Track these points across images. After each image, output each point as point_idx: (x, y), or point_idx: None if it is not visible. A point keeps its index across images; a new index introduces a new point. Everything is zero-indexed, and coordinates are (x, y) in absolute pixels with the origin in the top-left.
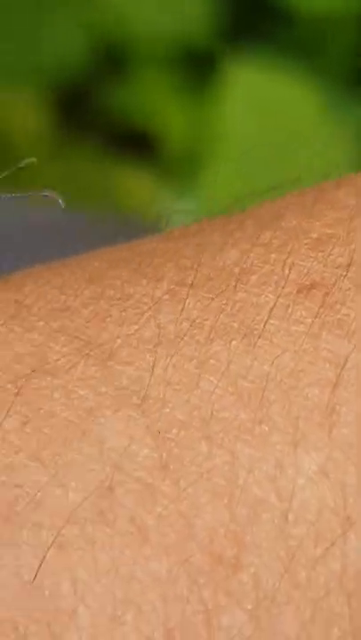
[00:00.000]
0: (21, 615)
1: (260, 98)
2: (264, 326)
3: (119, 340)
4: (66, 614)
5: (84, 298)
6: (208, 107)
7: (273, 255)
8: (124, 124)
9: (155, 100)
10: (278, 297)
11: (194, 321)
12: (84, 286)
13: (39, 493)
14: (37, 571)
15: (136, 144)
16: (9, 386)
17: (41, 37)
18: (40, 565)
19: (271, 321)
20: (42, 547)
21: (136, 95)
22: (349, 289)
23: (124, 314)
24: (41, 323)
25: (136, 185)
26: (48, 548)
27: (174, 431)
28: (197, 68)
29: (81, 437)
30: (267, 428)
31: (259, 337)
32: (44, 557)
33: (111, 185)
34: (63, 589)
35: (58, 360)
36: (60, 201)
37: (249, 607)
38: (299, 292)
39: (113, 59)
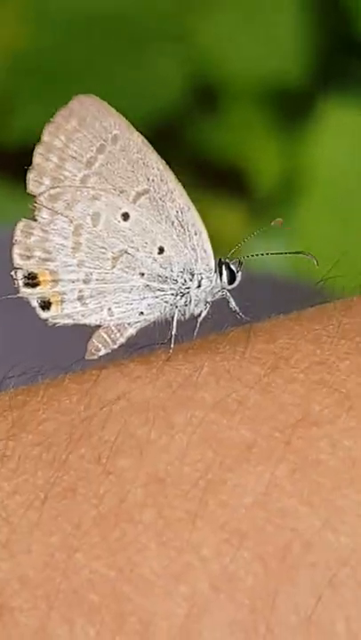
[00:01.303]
0: None
1: (354, 137)
2: None
3: None
4: None
5: (340, 352)
6: (301, 145)
7: None
8: (216, 161)
9: (248, 138)
10: None
11: None
12: (337, 341)
13: (313, 537)
14: (314, 608)
15: (228, 181)
16: (277, 434)
17: (138, 75)
18: (316, 604)
19: None
20: (317, 586)
21: (229, 132)
22: None
23: None
24: (301, 375)
25: (227, 222)
26: (323, 588)
27: None
28: (291, 106)
29: (349, 485)
30: None
31: None
32: (320, 596)
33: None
34: (338, 627)
35: (321, 411)
36: (315, 261)
37: None
38: None
39: (207, 96)
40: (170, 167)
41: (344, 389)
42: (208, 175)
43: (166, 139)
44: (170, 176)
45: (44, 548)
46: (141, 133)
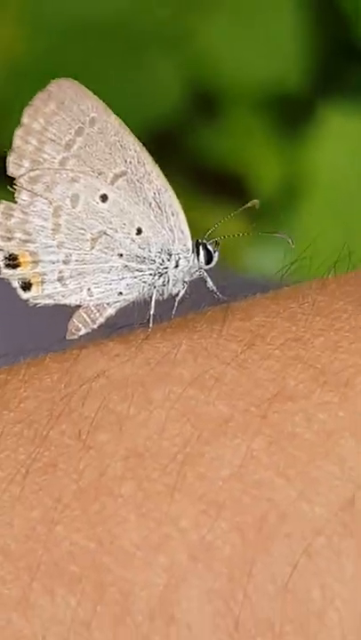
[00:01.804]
0: (277, 616)
1: (355, 142)
2: None
3: (352, 369)
4: (317, 616)
5: (315, 329)
6: (301, 150)
7: None
8: (216, 168)
9: (247, 144)
10: None
11: None
12: (312, 318)
13: (288, 507)
14: (290, 577)
15: (228, 187)
16: (253, 409)
17: (136, 80)
18: (292, 572)
19: None
20: (293, 555)
21: (229, 138)
22: None
23: (353, 345)
24: (277, 352)
25: (227, 228)
26: (299, 557)
27: None
28: (291, 111)
29: (323, 457)
30: None
31: None
32: (296, 565)
33: (202, 227)
34: (314, 594)
35: (296, 386)
36: (291, 242)
37: None
38: None
39: (206, 102)
40: (169, 173)
41: (319, 365)
42: (208, 181)
43: (165, 145)
44: (147, 158)
45: (26, 522)
46: (140, 140)
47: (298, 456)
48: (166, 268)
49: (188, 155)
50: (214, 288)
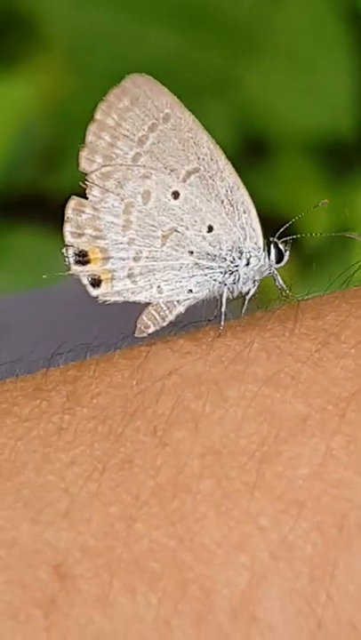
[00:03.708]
0: (360, 618)
1: None
2: None
3: None
4: None
5: None
6: (352, 198)
7: None
8: (265, 213)
9: (298, 190)
10: None
11: None
12: None
13: None
14: None
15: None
16: (330, 407)
17: None
18: None
19: None
20: None
21: (279, 184)
22: None
23: None
24: (352, 350)
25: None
26: None
27: None
28: (342, 159)
29: None
30: None
31: None
32: None
33: None
34: None
35: None
36: None
37: None
38: None
39: (256, 147)
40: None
41: None
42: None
43: None
44: (220, 155)
45: (104, 518)
46: None
47: None
48: (237, 266)
49: None
50: (284, 286)
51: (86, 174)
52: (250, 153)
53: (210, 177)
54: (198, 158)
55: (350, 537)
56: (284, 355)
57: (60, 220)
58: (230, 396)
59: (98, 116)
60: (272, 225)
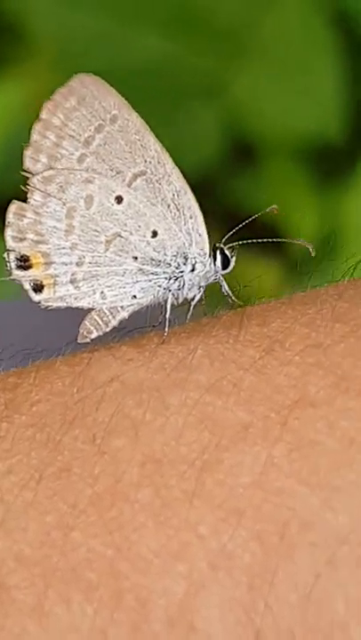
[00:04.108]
0: (299, 626)
1: None
2: None
3: None
4: (340, 628)
5: (335, 336)
6: (340, 202)
7: None
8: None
9: (286, 194)
10: None
11: None
12: (332, 325)
13: (312, 516)
14: (313, 587)
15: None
16: (273, 415)
17: (174, 130)
18: (315, 582)
19: None
20: (316, 565)
21: (267, 188)
22: None
23: None
24: (296, 358)
25: (264, 281)
26: (322, 567)
27: None
28: (330, 162)
29: (346, 465)
30: None
31: None
32: (319, 575)
33: (237, 276)
34: (337, 605)
35: (318, 392)
36: (311, 249)
37: None
38: None
39: (245, 151)
40: (207, 222)
41: (340, 371)
42: (245, 232)
43: (203, 193)
44: (167, 158)
45: (40, 527)
46: None
47: (320, 463)
48: (182, 271)
49: (226, 204)
50: (230, 292)
51: (30, 173)
52: (239, 157)
53: (156, 180)
54: (145, 161)
55: (291, 545)
56: (227, 362)
57: None
58: (172, 404)
59: (43, 115)
60: (261, 229)
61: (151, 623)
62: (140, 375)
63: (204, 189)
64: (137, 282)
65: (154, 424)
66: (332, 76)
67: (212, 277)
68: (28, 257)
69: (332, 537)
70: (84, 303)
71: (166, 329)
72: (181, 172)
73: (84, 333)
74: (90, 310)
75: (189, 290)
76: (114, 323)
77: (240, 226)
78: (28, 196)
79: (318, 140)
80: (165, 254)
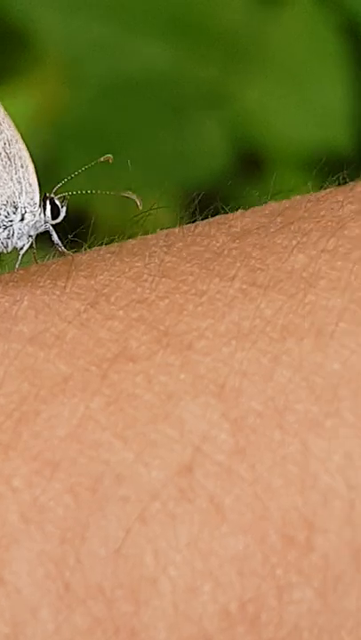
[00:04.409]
0: (108, 581)
1: None
2: (335, 328)
3: (195, 333)
4: (149, 582)
5: (160, 291)
6: None
7: (339, 262)
8: None
9: None
10: (347, 302)
11: (266, 319)
12: (158, 280)
13: (125, 470)
14: (123, 541)
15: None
16: (93, 368)
17: (181, 141)
18: (125, 537)
19: (341, 324)
20: (127, 519)
21: (275, 199)
22: None
23: (199, 308)
24: (120, 312)
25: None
26: (133, 521)
27: (250, 419)
28: (339, 174)
29: (163, 419)
30: (337, 422)
31: (330, 338)
32: (130, 529)
33: None
34: (146, 559)
35: (139, 347)
36: (138, 202)
37: (317, 585)
38: None
39: (252, 162)
40: None
41: (162, 327)
42: None
43: (210, 205)
44: None
45: None
46: (184, 199)
47: (137, 417)
48: (11, 221)
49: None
50: (59, 242)
51: None
52: (245, 167)
53: None
54: None
55: (104, 499)
56: (52, 314)
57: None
58: None
59: None
60: None
61: None
62: None
63: (211, 201)
64: None
65: None
66: (339, 85)
67: (42, 227)
68: None
69: (145, 492)
70: None
71: None
72: (188, 182)
73: None
74: None
75: (19, 239)
76: None
77: (72, 176)
78: None
79: (326, 151)
80: None
